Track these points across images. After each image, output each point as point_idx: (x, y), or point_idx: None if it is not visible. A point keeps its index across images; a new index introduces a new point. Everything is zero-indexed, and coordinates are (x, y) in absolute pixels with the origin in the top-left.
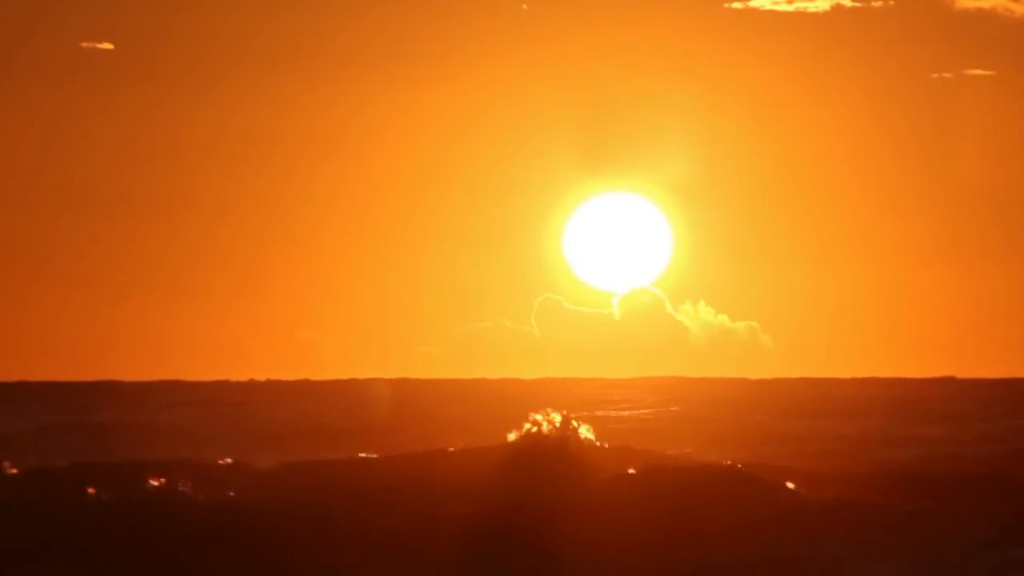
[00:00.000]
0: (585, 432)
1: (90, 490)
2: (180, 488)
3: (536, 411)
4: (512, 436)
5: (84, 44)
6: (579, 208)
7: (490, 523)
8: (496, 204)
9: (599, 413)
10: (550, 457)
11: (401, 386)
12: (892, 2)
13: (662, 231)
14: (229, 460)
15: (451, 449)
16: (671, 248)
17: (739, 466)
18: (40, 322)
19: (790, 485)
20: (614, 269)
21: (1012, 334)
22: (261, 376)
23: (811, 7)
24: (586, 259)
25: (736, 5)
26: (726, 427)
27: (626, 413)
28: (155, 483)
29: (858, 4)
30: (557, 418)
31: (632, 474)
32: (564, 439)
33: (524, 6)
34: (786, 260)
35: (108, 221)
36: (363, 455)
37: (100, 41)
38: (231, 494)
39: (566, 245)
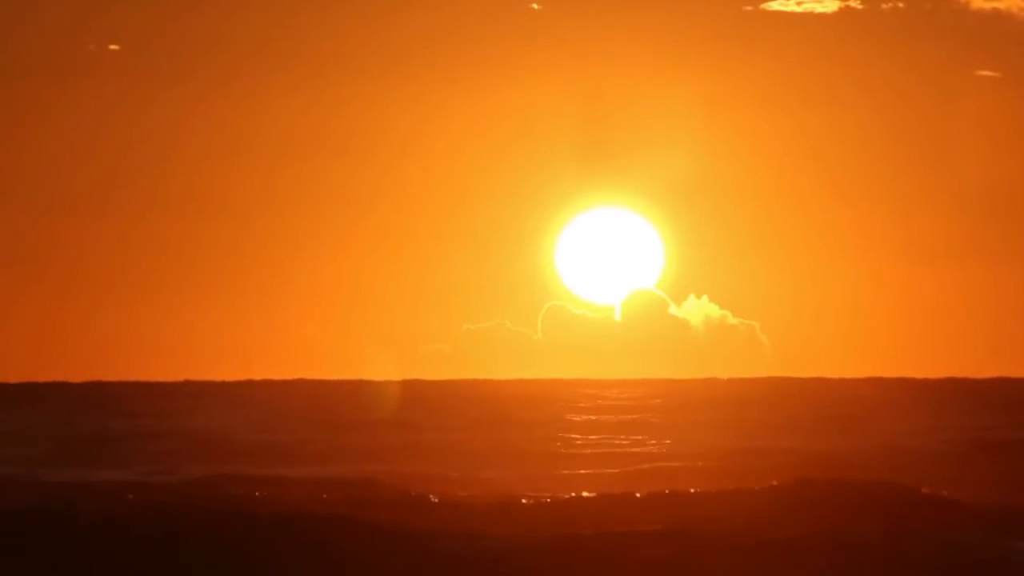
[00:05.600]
0: None
1: None
2: None
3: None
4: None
5: (91, 45)
6: (581, 213)
7: None
8: (497, 209)
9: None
10: None
11: (402, 387)
12: (900, 4)
13: (662, 232)
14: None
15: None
16: (672, 250)
17: None
18: (39, 322)
19: None
20: (615, 272)
21: (1019, 335)
22: (271, 376)
23: (819, 8)
24: (583, 266)
25: (747, 8)
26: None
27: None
28: None
29: (866, 5)
30: None
31: None
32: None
33: (535, 5)
34: (792, 261)
35: (114, 221)
36: None
37: (107, 42)
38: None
39: (562, 251)
